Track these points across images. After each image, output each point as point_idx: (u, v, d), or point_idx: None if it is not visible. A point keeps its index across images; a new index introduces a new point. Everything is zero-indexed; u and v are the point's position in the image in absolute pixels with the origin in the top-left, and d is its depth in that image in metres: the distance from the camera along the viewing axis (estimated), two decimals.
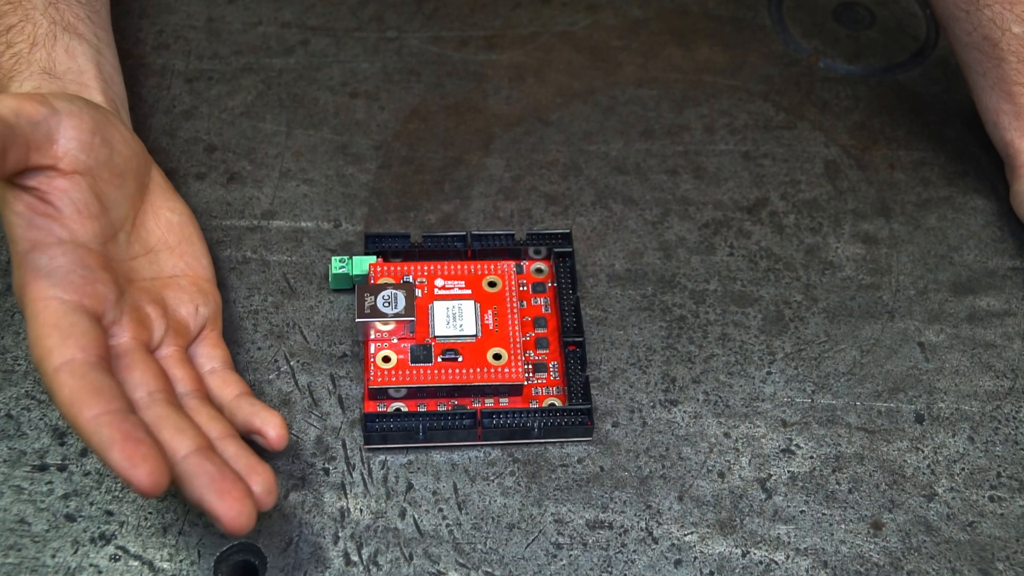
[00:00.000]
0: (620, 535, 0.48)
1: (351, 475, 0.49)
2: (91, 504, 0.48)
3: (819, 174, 0.60)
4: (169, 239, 0.50)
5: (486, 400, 0.51)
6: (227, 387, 0.48)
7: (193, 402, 0.46)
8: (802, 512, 0.49)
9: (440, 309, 0.52)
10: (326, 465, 0.50)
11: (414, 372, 0.50)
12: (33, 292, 0.43)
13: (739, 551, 0.48)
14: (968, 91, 0.60)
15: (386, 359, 0.51)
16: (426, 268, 0.54)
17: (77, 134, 0.45)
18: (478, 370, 0.51)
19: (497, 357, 0.51)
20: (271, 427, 0.46)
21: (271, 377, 0.52)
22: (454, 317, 0.52)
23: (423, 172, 0.59)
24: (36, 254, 0.44)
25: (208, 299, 0.50)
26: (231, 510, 0.41)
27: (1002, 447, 0.51)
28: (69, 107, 0.45)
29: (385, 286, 0.52)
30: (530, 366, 0.52)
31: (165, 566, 0.47)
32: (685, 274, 0.56)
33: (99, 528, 0.48)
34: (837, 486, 0.50)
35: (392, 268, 0.54)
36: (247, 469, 0.43)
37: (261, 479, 0.43)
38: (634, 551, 0.48)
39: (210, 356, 0.49)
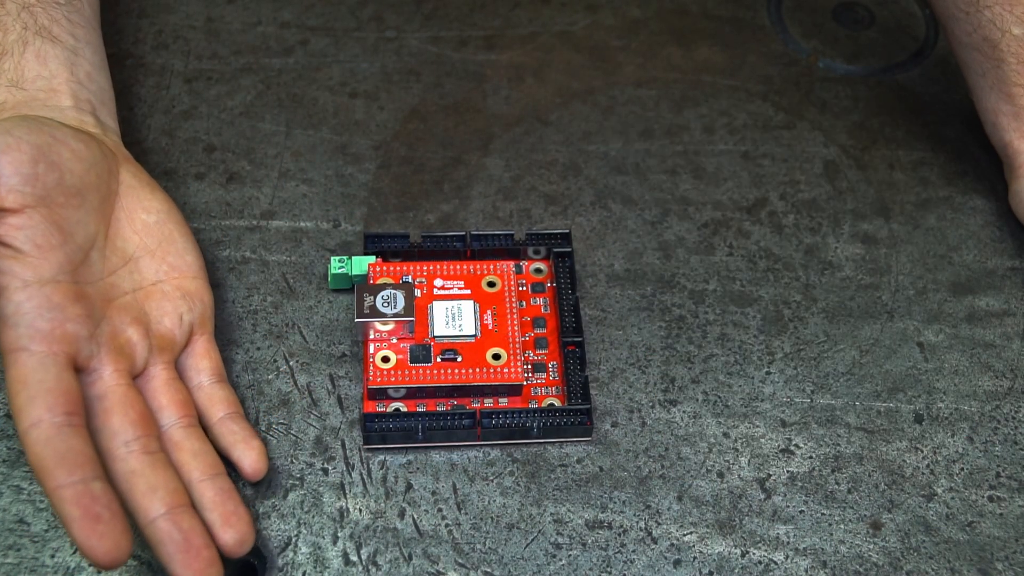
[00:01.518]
0: (619, 535, 0.48)
1: (350, 475, 0.49)
2: None
3: (818, 174, 0.60)
4: (148, 243, 0.49)
5: (485, 400, 0.51)
6: (213, 407, 0.48)
7: (179, 434, 0.46)
8: (801, 512, 0.49)
9: (439, 309, 0.52)
10: (325, 465, 0.50)
11: (413, 372, 0.50)
12: (3, 344, 0.43)
13: (738, 551, 0.48)
14: (968, 91, 0.60)
15: (385, 359, 0.51)
16: (425, 268, 0.54)
17: (17, 168, 0.44)
18: (477, 370, 0.51)
19: (496, 357, 0.51)
20: (247, 462, 0.47)
21: (270, 377, 0.52)
22: (453, 317, 0.52)
23: (422, 172, 0.59)
24: (3, 302, 0.43)
25: (194, 302, 0.49)
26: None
27: (1001, 447, 0.51)
28: (5, 141, 0.44)
29: (384, 286, 0.52)
30: (529, 366, 0.52)
31: None
32: (684, 274, 0.56)
33: None
34: (836, 486, 0.50)
35: (391, 268, 0.54)
36: (222, 520, 0.44)
37: (234, 531, 0.44)
38: (633, 551, 0.48)
39: (198, 369, 0.48)
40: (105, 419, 0.44)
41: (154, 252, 0.49)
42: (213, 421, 0.47)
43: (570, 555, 0.48)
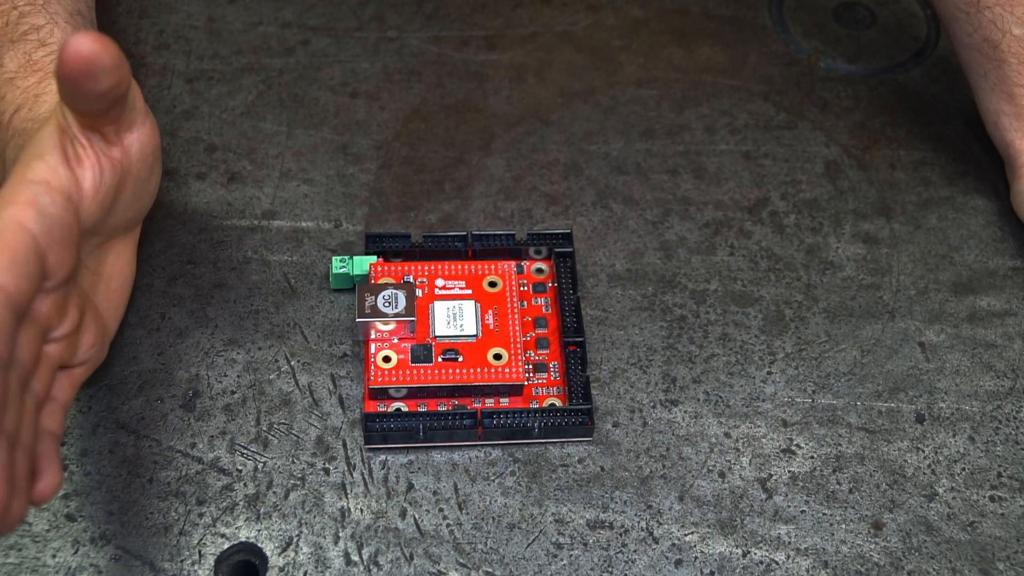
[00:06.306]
0: (621, 535, 0.48)
1: (351, 475, 0.49)
2: (91, 504, 0.48)
3: (819, 174, 0.60)
4: (112, 281, 0.49)
5: (486, 400, 0.51)
6: (51, 420, 0.44)
7: (31, 402, 0.43)
8: (803, 512, 0.49)
9: (440, 309, 0.52)
10: (326, 465, 0.50)
11: (414, 372, 0.50)
12: (15, 212, 0.41)
13: (740, 551, 0.48)
14: (969, 91, 0.60)
15: (386, 359, 0.51)
16: (426, 268, 0.54)
17: (145, 142, 0.46)
18: (478, 370, 0.51)
19: (497, 357, 0.51)
20: (47, 479, 0.42)
21: (271, 377, 0.52)
22: (454, 317, 0.52)
23: (424, 172, 0.59)
24: (40, 188, 0.42)
25: (103, 347, 0.48)
26: None
27: (1003, 447, 0.51)
28: (154, 120, 0.47)
29: (385, 286, 0.52)
30: (530, 366, 0.52)
31: (166, 566, 0.47)
32: (686, 274, 0.56)
33: (99, 528, 0.48)
34: (838, 486, 0.50)
35: (393, 268, 0.54)
36: (19, 482, 0.40)
37: (14, 505, 0.40)
38: (635, 551, 0.48)
39: (63, 387, 0.46)
40: (19, 330, 0.41)
41: (110, 291, 0.49)
42: (42, 431, 0.44)
43: (571, 555, 0.48)
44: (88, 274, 0.47)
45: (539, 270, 0.55)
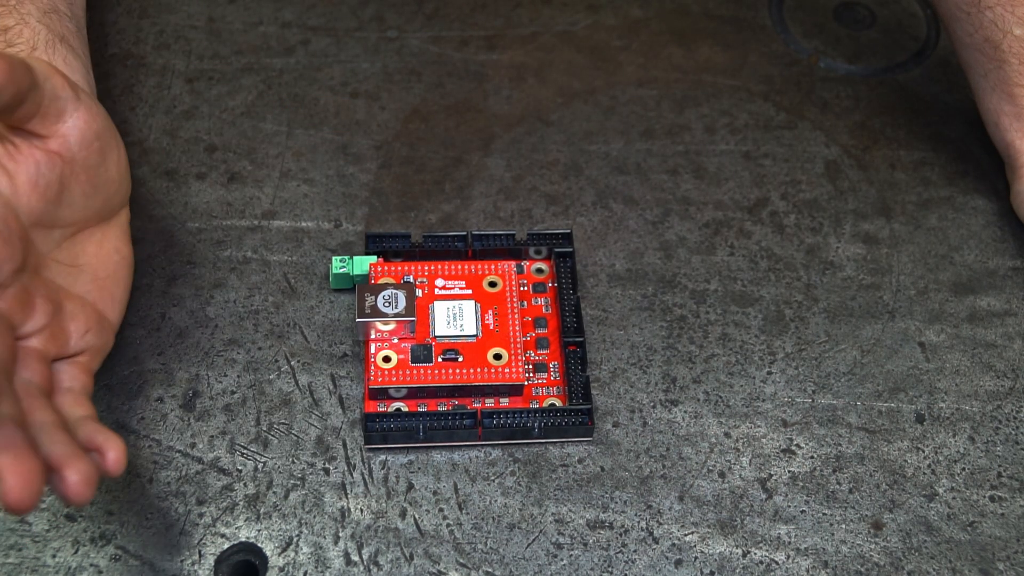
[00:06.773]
0: (620, 535, 0.48)
1: (352, 475, 0.49)
2: (91, 504, 0.48)
3: (819, 174, 0.60)
4: (99, 270, 0.49)
5: (486, 400, 0.51)
6: (78, 407, 0.44)
7: (32, 388, 0.42)
8: (803, 512, 0.49)
9: (440, 309, 0.52)
10: (326, 465, 0.50)
11: (414, 372, 0.50)
12: None
13: (739, 551, 0.48)
14: (970, 91, 0.60)
15: (386, 359, 0.51)
16: (426, 268, 0.54)
17: (84, 128, 0.46)
18: (478, 370, 0.51)
19: (497, 357, 0.51)
20: (112, 447, 0.42)
21: (271, 377, 0.52)
22: (454, 317, 0.52)
23: (424, 172, 0.59)
24: None
25: (102, 333, 0.47)
26: (16, 484, 0.37)
27: (1003, 447, 0.51)
28: (90, 103, 0.46)
29: (385, 286, 0.52)
30: (530, 366, 0.52)
31: (166, 566, 0.47)
32: (686, 274, 0.56)
33: (99, 528, 0.48)
34: (838, 486, 0.50)
35: (392, 268, 0.54)
36: (59, 462, 0.40)
37: (75, 469, 0.40)
38: (635, 551, 0.48)
39: (74, 376, 0.45)
40: None
41: (98, 279, 0.49)
42: (75, 418, 0.43)
43: (571, 555, 0.48)
44: (60, 267, 0.47)
45: (539, 270, 0.55)
